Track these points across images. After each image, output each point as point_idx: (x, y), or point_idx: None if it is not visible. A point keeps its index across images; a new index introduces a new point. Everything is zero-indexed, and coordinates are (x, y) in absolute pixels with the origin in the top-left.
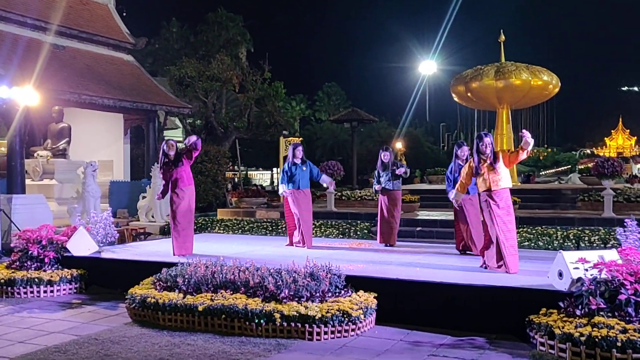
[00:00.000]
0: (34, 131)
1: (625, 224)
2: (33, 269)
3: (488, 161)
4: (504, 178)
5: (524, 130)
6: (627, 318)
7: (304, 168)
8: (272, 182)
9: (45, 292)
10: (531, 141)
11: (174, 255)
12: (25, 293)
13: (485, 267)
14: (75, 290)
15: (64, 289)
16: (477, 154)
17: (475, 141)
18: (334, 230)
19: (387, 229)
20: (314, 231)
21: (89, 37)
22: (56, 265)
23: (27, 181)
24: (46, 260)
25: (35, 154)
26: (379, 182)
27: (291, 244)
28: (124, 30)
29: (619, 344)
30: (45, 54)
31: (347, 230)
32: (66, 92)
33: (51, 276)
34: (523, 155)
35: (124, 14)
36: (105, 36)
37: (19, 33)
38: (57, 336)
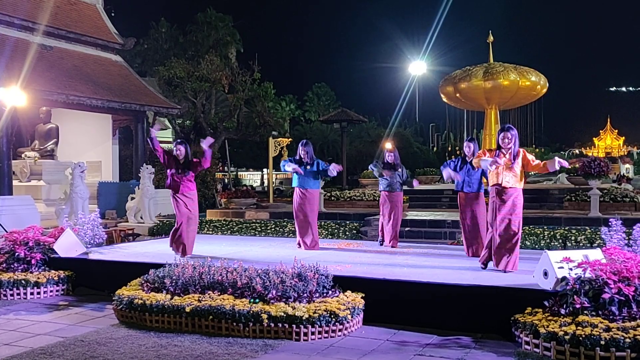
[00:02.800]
0: (21, 132)
1: (609, 223)
2: (20, 270)
3: (508, 156)
4: (517, 177)
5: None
6: (611, 317)
7: (308, 168)
8: (262, 183)
9: (32, 294)
10: (558, 166)
11: (176, 253)
12: (12, 295)
13: (504, 270)
14: (62, 292)
15: (51, 291)
16: (498, 147)
17: (497, 134)
18: (323, 231)
19: (390, 230)
20: None
21: (76, 37)
22: (43, 267)
23: (15, 182)
24: (33, 261)
25: (22, 155)
26: (377, 169)
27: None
28: (112, 30)
29: (602, 342)
30: (33, 54)
31: (336, 230)
32: (54, 93)
33: (38, 278)
34: (543, 169)
35: (112, 14)
36: (93, 36)
37: (6, 33)
38: (43, 338)
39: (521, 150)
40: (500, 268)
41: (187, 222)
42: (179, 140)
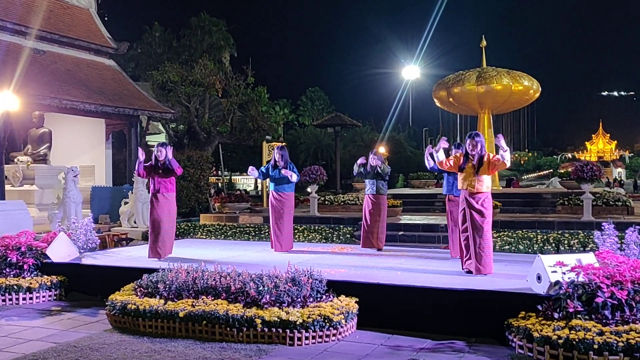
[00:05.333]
0: (14, 136)
1: (602, 227)
2: (12, 275)
3: (474, 162)
4: (483, 182)
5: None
6: (604, 321)
7: (283, 172)
8: (255, 187)
9: (24, 299)
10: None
11: (148, 257)
12: (4, 300)
13: (468, 272)
14: (55, 297)
15: (44, 296)
16: (466, 153)
17: (465, 140)
18: (317, 235)
19: (370, 233)
20: (296, 236)
21: (69, 41)
22: (35, 272)
23: (7, 187)
24: (25, 267)
25: (15, 160)
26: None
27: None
28: (106, 34)
29: (595, 346)
30: (26, 58)
31: (330, 235)
32: (47, 97)
33: (30, 283)
34: (501, 165)
35: (106, 19)
36: (86, 41)
37: None
38: (36, 344)
39: (487, 154)
40: (475, 273)
41: (161, 223)
42: (160, 143)
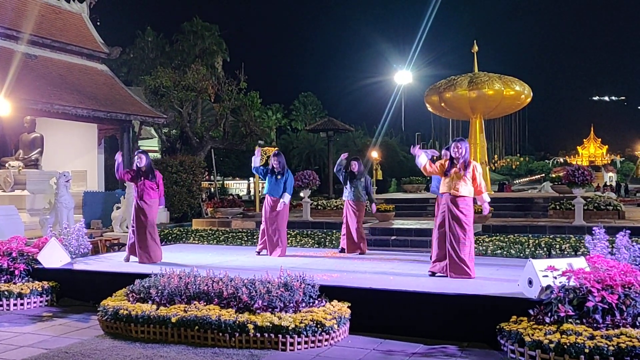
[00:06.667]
0: (5, 141)
1: (593, 232)
2: (3, 281)
3: (458, 166)
4: (467, 187)
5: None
6: (595, 325)
7: (279, 177)
8: (248, 192)
9: (15, 305)
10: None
11: (125, 261)
12: None
13: (432, 274)
14: (46, 303)
15: (35, 302)
16: (451, 157)
17: (450, 144)
18: (310, 240)
19: (351, 238)
20: (289, 241)
21: (61, 46)
22: (27, 278)
23: None
24: (16, 272)
25: (6, 165)
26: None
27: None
28: (98, 39)
29: (586, 350)
30: (17, 63)
31: (322, 239)
32: (38, 102)
33: (21, 289)
34: (477, 194)
35: (98, 23)
36: (78, 45)
37: None
38: (27, 350)
39: (473, 163)
40: (454, 276)
41: (139, 229)
42: (139, 150)
